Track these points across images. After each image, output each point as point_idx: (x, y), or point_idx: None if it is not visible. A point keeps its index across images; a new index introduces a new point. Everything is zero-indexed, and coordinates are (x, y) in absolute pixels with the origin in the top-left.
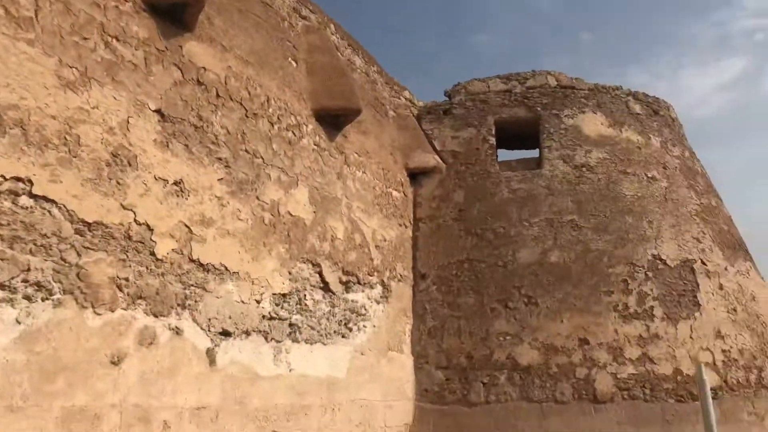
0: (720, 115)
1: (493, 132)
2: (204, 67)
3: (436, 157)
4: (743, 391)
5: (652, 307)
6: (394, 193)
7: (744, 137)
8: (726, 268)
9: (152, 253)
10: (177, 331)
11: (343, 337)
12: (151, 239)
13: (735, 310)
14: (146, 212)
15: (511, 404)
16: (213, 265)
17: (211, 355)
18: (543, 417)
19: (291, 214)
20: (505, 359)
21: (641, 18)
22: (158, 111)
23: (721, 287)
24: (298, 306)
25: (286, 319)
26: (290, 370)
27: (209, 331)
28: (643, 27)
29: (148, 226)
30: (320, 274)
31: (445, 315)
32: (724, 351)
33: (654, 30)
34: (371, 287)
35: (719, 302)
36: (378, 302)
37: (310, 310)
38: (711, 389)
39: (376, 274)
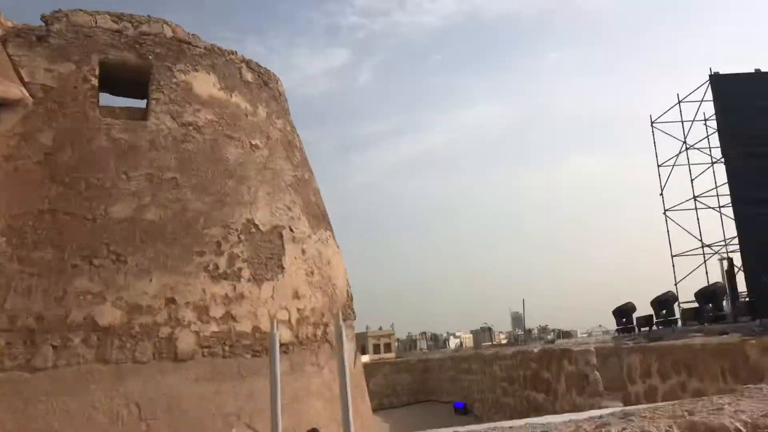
0: (322, 97)
1: (97, 73)
2: None
3: (23, 89)
4: (310, 345)
5: (240, 269)
6: None
7: (337, 122)
8: (309, 236)
9: None
10: None
11: None
12: None
13: (312, 273)
14: None
15: (85, 367)
16: None
17: None
18: (119, 378)
19: None
20: (82, 320)
21: None
22: None
23: (303, 252)
24: None
25: None
26: None
27: None
28: (266, 1)
29: None
30: None
31: (14, 271)
32: (299, 310)
33: (276, 6)
34: None
35: (300, 266)
36: None
37: None
38: (284, 344)
39: None
